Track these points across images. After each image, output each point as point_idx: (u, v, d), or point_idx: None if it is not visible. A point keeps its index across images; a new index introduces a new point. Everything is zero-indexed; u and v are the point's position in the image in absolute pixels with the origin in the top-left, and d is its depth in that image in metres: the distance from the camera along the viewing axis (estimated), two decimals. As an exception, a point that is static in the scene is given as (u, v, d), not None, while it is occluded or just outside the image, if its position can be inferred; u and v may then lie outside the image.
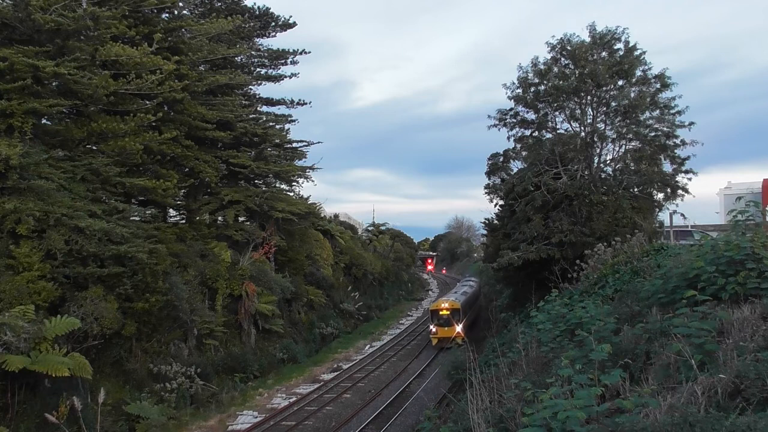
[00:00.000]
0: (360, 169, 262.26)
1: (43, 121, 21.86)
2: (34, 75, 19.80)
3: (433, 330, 34.41)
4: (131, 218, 23.72)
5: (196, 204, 30.55)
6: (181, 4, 30.09)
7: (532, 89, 26.78)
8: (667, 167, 25.77)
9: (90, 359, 17.19)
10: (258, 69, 37.54)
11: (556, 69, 26.31)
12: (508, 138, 28.83)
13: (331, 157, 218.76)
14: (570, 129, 27.13)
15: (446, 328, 33.78)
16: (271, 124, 35.43)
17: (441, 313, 34.21)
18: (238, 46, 32.54)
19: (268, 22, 36.59)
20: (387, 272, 61.24)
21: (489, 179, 31.54)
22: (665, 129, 25.64)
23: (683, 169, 25.54)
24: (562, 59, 26.29)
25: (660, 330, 7.48)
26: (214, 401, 22.49)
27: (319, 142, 55.44)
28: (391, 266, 65.43)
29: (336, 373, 28.64)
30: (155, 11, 27.50)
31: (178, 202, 30.00)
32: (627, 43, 25.49)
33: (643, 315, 9.19)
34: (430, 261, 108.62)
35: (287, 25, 36.95)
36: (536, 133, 28.48)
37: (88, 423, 15.32)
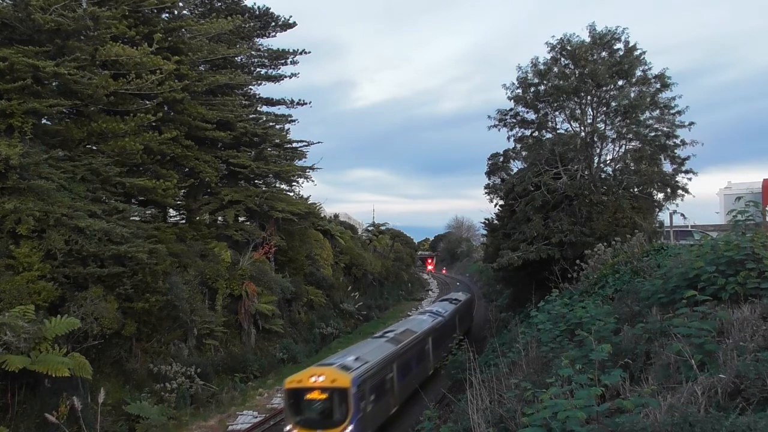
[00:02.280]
0: (360, 169, 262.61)
1: (43, 121, 21.84)
2: (34, 75, 19.79)
3: None
4: (131, 218, 23.70)
5: (196, 204, 30.55)
6: (181, 4, 30.08)
7: (532, 89, 26.78)
8: (667, 167, 25.78)
9: (90, 359, 17.18)
10: (258, 69, 37.54)
11: (556, 69, 26.30)
12: (508, 138, 28.85)
13: (331, 157, 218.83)
14: (570, 129, 27.15)
15: None
16: (271, 124, 35.42)
17: (309, 397, 16.20)
18: (238, 46, 32.54)
19: (268, 22, 36.58)
20: (387, 272, 61.20)
21: (489, 179, 31.55)
22: (665, 129, 25.64)
23: (683, 169, 25.53)
24: (562, 59, 26.28)
25: (660, 330, 7.48)
26: (214, 401, 22.49)
27: (319, 142, 55.61)
28: (391, 266, 65.40)
29: (336, 373, 28.54)
30: (155, 11, 27.49)
31: (178, 202, 29.98)
32: (627, 43, 25.51)
33: (643, 315, 9.20)
34: (430, 261, 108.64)
35: (287, 25, 36.95)
36: (536, 133, 28.46)
37: (88, 423, 15.33)
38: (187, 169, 29.04)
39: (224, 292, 27.18)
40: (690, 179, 25.44)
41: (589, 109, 26.08)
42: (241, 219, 31.84)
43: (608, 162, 26.94)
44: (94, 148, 22.95)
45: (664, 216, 25.84)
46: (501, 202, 30.89)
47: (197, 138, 28.77)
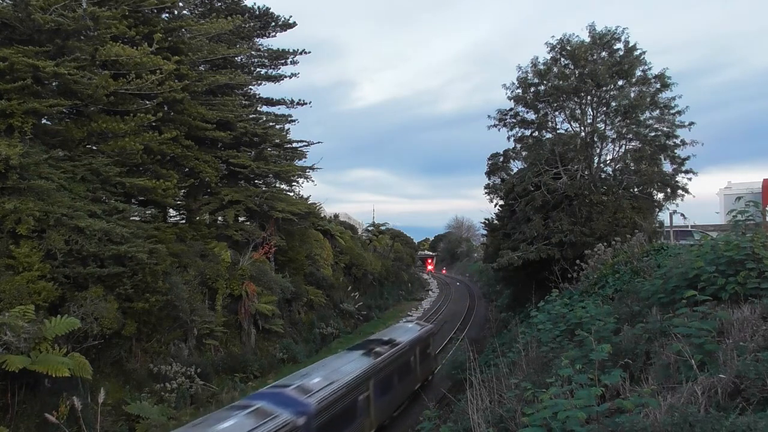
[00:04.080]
0: (360, 169, 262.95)
1: (43, 121, 21.82)
2: (34, 75, 19.78)
3: None
4: (131, 218, 23.68)
5: (196, 204, 30.54)
6: (181, 4, 30.07)
7: (532, 89, 26.82)
8: (667, 167, 25.83)
9: (90, 359, 17.17)
10: (258, 69, 37.54)
11: (555, 69, 26.34)
12: (508, 138, 28.92)
13: (331, 157, 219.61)
14: (570, 129, 27.20)
15: None
16: (271, 124, 35.41)
17: None
18: (238, 46, 32.55)
19: (268, 22, 36.59)
20: (387, 272, 61.19)
21: (489, 179, 31.61)
22: (665, 129, 25.68)
23: (683, 169, 25.58)
24: (562, 59, 26.32)
25: (660, 330, 7.48)
26: (214, 401, 22.45)
27: (319, 142, 55.61)
28: (391, 266, 65.39)
29: (336, 373, 28.48)
30: (155, 11, 27.48)
31: (178, 202, 29.96)
32: (627, 43, 25.56)
33: (643, 315, 9.19)
34: (430, 261, 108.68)
35: (287, 25, 36.96)
36: (536, 133, 28.51)
37: (88, 423, 15.33)
38: (187, 169, 29.02)
39: (224, 292, 27.17)
40: (690, 179, 25.53)
41: (589, 109, 26.11)
42: (241, 219, 31.84)
43: (608, 162, 26.99)
44: (94, 148, 22.93)
45: (664, 216, 25.91)
46: (501, 202, 30.93)
47: (197, 138, 28.76)
